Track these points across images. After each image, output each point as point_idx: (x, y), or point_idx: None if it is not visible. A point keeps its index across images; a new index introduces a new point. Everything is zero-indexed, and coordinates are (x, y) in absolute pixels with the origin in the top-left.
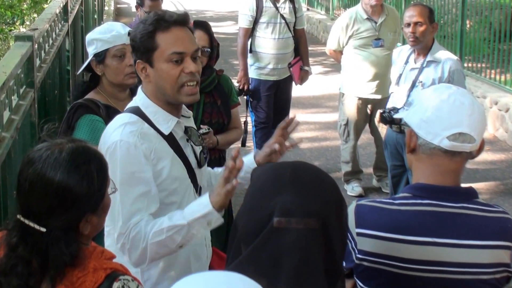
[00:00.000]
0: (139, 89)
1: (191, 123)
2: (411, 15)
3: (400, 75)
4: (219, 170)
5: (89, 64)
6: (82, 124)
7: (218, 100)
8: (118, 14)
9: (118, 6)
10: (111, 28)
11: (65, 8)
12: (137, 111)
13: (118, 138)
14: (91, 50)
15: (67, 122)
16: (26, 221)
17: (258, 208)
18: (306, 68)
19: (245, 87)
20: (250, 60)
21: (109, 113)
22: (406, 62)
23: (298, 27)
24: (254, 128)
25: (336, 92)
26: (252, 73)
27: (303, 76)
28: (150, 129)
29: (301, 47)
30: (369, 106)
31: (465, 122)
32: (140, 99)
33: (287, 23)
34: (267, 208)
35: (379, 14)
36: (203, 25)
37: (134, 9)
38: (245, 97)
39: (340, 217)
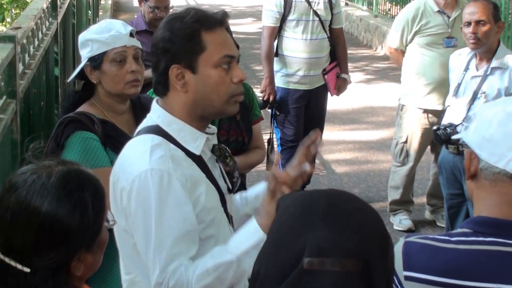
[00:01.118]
0: (155, 105)
1: (215, 140)
2: (472, 12)
3: (459, 84)
4: (242, 195)
5: (82, 70)
6: (73, 142)
7: (237, 115)
8: (117, 10)
9: (117, 0)
10: (109, 27)
11: (53, 2)
12: (158, 130)
13: (147, 167)
14: (85, 53)
15: (56, 140)
16: (7, 260)
17: (285, 246)
18: (344, 75)
19: (271, 98)
20: (276, 66)
21: (106, 129)
22: (466, 69)
23: (335, 26)
24: (280, 147)
25: (380, 105)
26: (279, 81)
27: (341, 86)
28: (178, 151)
29: (338, 50)
30: (435, 120)
31: None
32: (158, 116)
33: (321, 21)
34: (296, 246)
35: (453, 7)
36: None
37: (136, 4)
38: (270, 110)
39: (384, 258)
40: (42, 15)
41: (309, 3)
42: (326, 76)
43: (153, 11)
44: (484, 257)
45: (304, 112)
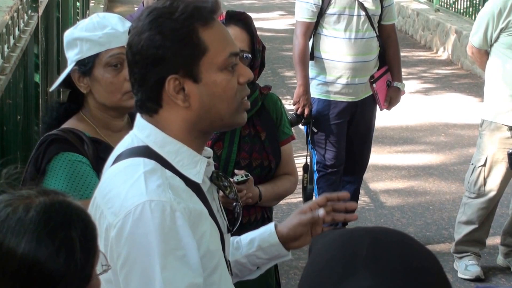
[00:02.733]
0: (142, 121)
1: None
2: None
3: None
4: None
5: (68, 76)
6: (57, 166)
7: (262, 133)
8: (112, 1)
9: None
10: (103, 23)
11: None
12: (148, 153)
13: (144, 199)
14: (72, 56)
15: (35, 163)
16: None
17: None
18: (397, 84)
19: (305, 111)
20: (312, 71)
21: (98, 151)
22: None
23: (386, 22)
24: (317, 173)
25: (441, 121)
26: (315, 91)
27: (392, 97)
28: (175, 178)
29: (389, 52)
30: None
31: None
32: (148, 135)
33: (368, 16)
34: None
35: None
36: (241, 19)
37: None
38: (304, 127)
39: None
40: (20, 7)
41: None
42: (374, 85)
43: None
44: None
45: (347, 130)
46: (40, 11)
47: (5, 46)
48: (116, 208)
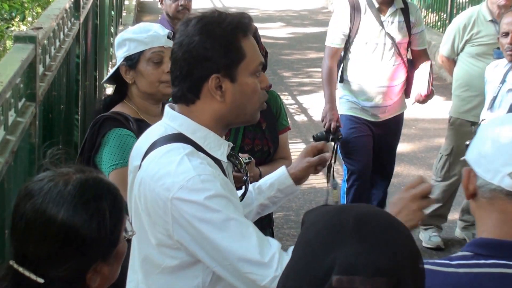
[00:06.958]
0: (174, 112)
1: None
2: (510, 22)
3: (495, 97)
4: (255, 185)
5: (115, 73)
6: (111, 139)
7: (263, 123)
8: (141, 11)
9: (141, 0)
10: (148, 28)
11: (76, 2)
12: (183, 138)
13: (193, 174)
14: (121, 53)
15: (91, 139)
16: (21, 269)
17: (312, 264)
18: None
19: (332, 125)
20: (340, 91)
21: (141, 127)
22: (503, 82)
23: (417, 48)
24: (346, 183)
25: (412, 116)
26: (343, 108)
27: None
28: (207, 158)
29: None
30: None
31: None
32: (180, 124)
33: (395, 44)
34: (324, 264)
35: None
36: None
37: (160, 5)
38: (333, 143)
39: (415, 276)
40: (64, 15)
41: (381, 23)
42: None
43: (175, 0)
44: (486, 280)
45: (373, 144)
46: (81, 18)
47: (52, 48)
48: (168, 185)
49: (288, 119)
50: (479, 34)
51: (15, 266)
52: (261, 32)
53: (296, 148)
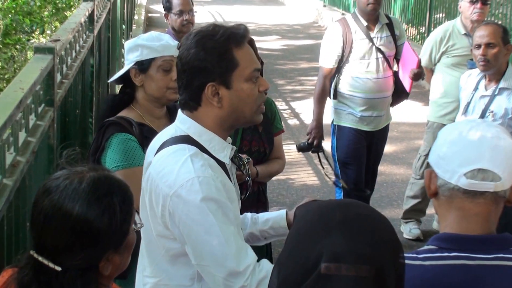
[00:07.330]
0: (184, 116)
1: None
2: (482, 35)
3: (468, 103)
4: (254, 215)
5: (124, 74)
6: (114, 143)
7: (259, 127)
8: (149, 25)
9: (150, 15)
10: (160, 37)
11: (90, 17)
12: (190, 140)
13: (193, 175)
14: (132, 57)
15: (97, 142)
16: (40, 258)
17: (303, 252)
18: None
19: (315, 142)
20: (338, 104)
21: (143, 131)
22: (476, 89)
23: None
24: (341, 192)
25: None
26: (340, 119)
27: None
28: (210, 160)
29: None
30: None
31: (486, 157)
32: (189, 127)
33: (386, 58)
34: (313, 252)
35: None
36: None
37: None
38: (316, 153)
39: (395, 263)
40: (80, 28)
41: (371, 40)
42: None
43: (180, 15)
44: (450, 272)
45: (367, 154)
46: (95, 32)
47: (69, 58)
48: (170, 182)
49: (282, 122)
50: (454, 46)
51: (35, 255)
52: (258, 44)
53: (289, 149)
